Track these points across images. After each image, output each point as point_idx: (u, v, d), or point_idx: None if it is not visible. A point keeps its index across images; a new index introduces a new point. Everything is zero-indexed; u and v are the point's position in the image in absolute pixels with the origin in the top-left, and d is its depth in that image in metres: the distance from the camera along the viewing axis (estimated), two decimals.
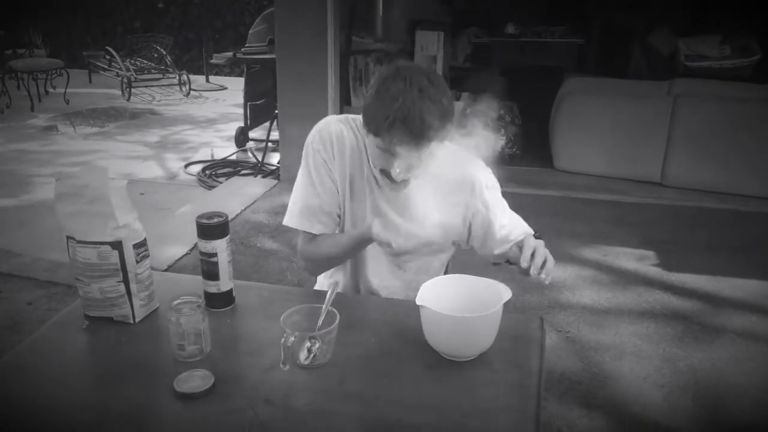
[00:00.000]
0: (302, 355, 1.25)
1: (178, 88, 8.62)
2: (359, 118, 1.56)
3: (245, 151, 5.81)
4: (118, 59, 8.28)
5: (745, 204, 4.40)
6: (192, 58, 10.21)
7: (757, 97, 4.50)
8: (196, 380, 1.19)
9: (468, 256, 1.76)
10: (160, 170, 5.48)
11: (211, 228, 1.42)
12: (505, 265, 1.64)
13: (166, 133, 6.68)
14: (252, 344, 1.38)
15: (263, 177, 5.09)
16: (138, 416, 1.14)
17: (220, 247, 1.43)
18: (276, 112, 4.99)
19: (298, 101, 4.55)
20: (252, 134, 5.92)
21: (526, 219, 1.66)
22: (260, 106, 5.73)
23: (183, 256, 3.54)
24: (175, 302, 1.28)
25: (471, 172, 1.59)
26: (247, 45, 5.97)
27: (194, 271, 1.49)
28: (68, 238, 1.37)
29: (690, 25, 5.24)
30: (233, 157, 5.68)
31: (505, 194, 1.69)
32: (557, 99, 5.16)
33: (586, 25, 5.94)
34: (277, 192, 4.57)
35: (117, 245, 1.34)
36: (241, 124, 5.89)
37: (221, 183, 4.99)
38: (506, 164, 5.23)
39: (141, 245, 1.39)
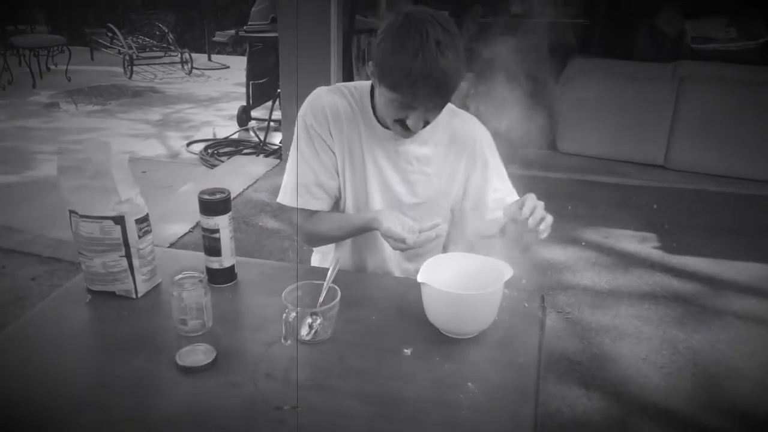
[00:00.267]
0: (303, 331, 1.26)
1: (180, 66, 8.58)
2: (353, 84, 1.58)
3: (247, 130, 5.80)
4: (120, 36, 8.24)
5: (748, 188, 4.39)
6: (194, 36, 10.14)
7: (762, 80, 4.47)
8: (198, 354, 1.20)
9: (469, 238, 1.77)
10: (162, 148, 5.47)
11: (214, 204, 1.42)
12: (494, 240, 1.63)
13: (168, 112, 6.66)
14: (254, 319, 1.38)
15: (265, 156, 5.09)
16: (140, 389, 1.15)
17: (222, 223, 1.43)
18: (278, 91, 4.97)
19: (301, 80, 4.53)
20: (254, 113, 5.90)
21: None
22: (262, 85, 5.70)
23: (185, 234, 3.55)
24: (178, 277, 1.29)
25: (471, 130, 1.60)
26: (249, 23, 5.92)
27: (197, 249, 1.50)
28: (71, 212, 1.37)
29: (696, 7, 5.18)
30: (235, 136, 5.67)
31: (508, 175, 1.69)
32: (561, 80, 5.13)
33: (591, 6, 5.88)
34: (279, 171, 4.57)
35: (119, 220, 1.35)
36: (244, 103, 5.87)
37: (223, 162, 4.98)
38: (508, 145, 5.21)
39: (143, 220, 1.39)
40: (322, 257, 1.81)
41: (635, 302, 2.99)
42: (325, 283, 1.32)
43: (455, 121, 1.59)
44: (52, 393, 1.14)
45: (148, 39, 8.76)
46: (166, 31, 8.68)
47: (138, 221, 1.38)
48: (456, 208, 1.67)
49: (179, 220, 3.66)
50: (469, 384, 1.16)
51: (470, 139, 1.59)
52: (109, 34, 8.54)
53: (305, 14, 4.41)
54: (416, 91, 1.34)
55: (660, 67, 4.75)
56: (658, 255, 3.45)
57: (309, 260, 1.88)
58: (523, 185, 1.74)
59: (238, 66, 8.11)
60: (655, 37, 5.14)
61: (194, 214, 1.43)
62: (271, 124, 5.36)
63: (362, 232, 1.57)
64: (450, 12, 5.32)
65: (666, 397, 2.37)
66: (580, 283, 3.16)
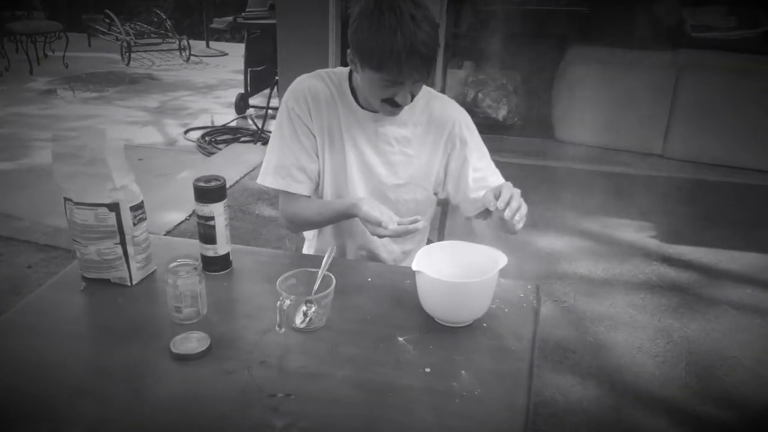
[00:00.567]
0: (298, 319, 1.26)
1: (178, 53, 8.54)
2: (332, 70, 1.61)
3: (245, 117, 5.77)
4: (118, 23, 8.19)
5: (745, 177, 4.39)
6: (193, 23, 10.08)
7: (761, 69, 4.47)
8: (192, 342, 1.21)
9: (465, 222, 1.77)
10: (160, 136, 5.45)
11: (209, 191, 1.42)
12: (479, 221, 1.64)
13: (166, 99, 6.64)
14: (248, 307, 1.39)
15: (263, 144, 5.07)
16: (134, 377, 1.16)
17: (218, 210, 1.43)
18: (276, 78, 4.95)
19: (298, 68, 4.50)
20: (252, 101, 5.87)
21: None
22: (261, 72, 5.68)
23: (182, 221, 3.55)
24: (172, 265, 1.29)
25: (449, 112, 1.62)
26: (247, 10, 5.89)
27: (193, 237, 1.50)
28: (65, 199, 1.37)
29: None
30: (233, 124, 5.65)
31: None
32: (560, 68, 5.12)
33: None
34: None
35: (114, 207, 1.35)
36: (242, 90, 5.85)
37: (221, 150, 4.97)
38: (507, 134, 5.21)
39: (138, 207, 1.39)
40: (308, 244, 1.84)
41: (631, 291, 3.00)
42: (320, 271, 1.32)
43: (433, 103, 1.62)
44: (46, 381, 1.14)
45: (145, 25, 8.71)
46: (164, 17, 8.63)
47: (133, 208, 1.38)
48: (439, 190, 1.69)
49: (176, 207, 3.66)
50: (463, 372, 1.16)
51: (449, 120, 1.61)
52: (107, 21, 8.49)
53: (304, 1, 4.39)
54: (401, 67, 1.37)
55: (659, 55, 4.73)
56: (654, 244, 3.46)
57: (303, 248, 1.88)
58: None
59: (236, 53, 8.07)
60: (654, 25, 5.12)
61: (191, 202, 1.43)
62: (269, 111, 5.34)
63: (342, 217, 1.58)
64: (450, 0, 5.30)
65: (660, 385, 2.38)
66: (577, 272, 3.16)
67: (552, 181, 4.27)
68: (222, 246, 1.46)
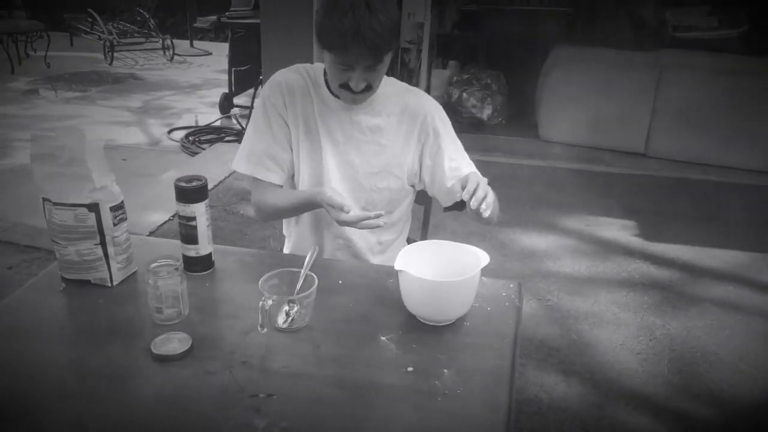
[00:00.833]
0: (280, 319, 1.26)
1: (161, 52, 8.49)
2: (309, 65, 1.66)
3: (229, 117, 5.75)
4: (100, 22, 8.13)
5: (727, 175, 4.44)
6: (176, 23, 10.03)
7: (743, 69, 4.51)
8: (173, 343, 1.20)
9: (449, 221, 1.78)
10: (143, 136, 5.42)
11: (190, 191, 1.41)
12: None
13: (149, 99, 6.59)
14: (230, 307, 1.38)
15: None
16: (115, 378, 1.14)
17: (199, 210, 1.42)
18: (260, 78, 4.93)
19: (282, 67, 4.49)
20: (236, 100, 5.85)
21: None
22: (245, 72, 5.66)
23: (165, 222, 3.53)
24: (153, 265, 1.28)
25: (422, 103, 1.65)
26: (231, 9, 5.87)
27: (176, 237, 1.49)
28: (44, 200, 1.35)
29: None
30: (217, 124, 5.63)
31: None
32: (544, 68, 5.15)
33: None
34: None
35: (94, 207, 1.33)
36: (226, 90, 5.83)
37: (205, 149, 4.95)
38: (491, 133, 5.23)
39: (118, 208, 1.38)
40: (288, 238, 1.85)
41: (614, 289, 3.02)
42: (302, 271, 1.32)
43: (407, 95, 1.65)
44: (25, 382, 1.13)
45: (128, 25, 8.65)
46: (148, 16, 8.58)
47: (113, 209, 1.37)
48: (415, 182, 1.71)
49: (159, 208, 3.64)
50: (445, 371, 1.16)
51: (421, 111, 1.63)
52: (89, 20, 8.42)
53: (287, 0, 4.37)
54: (348, 49, 1.40)
55: (642, 55, 4.78)
56: (637, 242, 3.49)
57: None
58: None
59: (220, 52, 8.04)
60: (637, 25, 5.16)
61: (174, 202, 1.42)
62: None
63: (307, 204, 1.59)
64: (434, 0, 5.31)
65: (643, 382, 2.40)
66: (561, 270, 3.18)
67: (536, 180, 4.30)
68: (204, 246, 1.46)
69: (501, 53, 5.96)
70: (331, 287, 1.39)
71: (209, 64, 8.30)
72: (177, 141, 5.20)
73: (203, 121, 5.71)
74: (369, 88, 1.51)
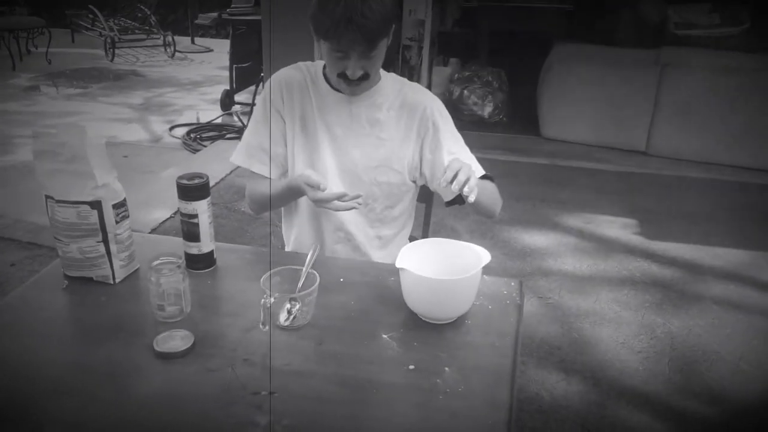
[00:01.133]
0: (282, 317, 1.26)
1: (162, 49, 8.49)
2: (310, 62, 1.69)
3: (231, 114, 5.75)
4: (102, 19, 8.13)
5: (728, 174, 4.44)
6: (177, 19, 10.03)
7: (745, 67, 4.50)
8: (175, 340, 1.20)
9: (450, 219, 1.77)
10: (144, 133, 5.42)
11: (192, 189, 1.41)
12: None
13: (150, 95, 6.59)
14: (232, 305, 1.38)
15: None
16: (117, 375, 1.15)
17: (201, 208, 1.42)
18: (262, 75, 4.93)
19: (284, 64, 4.49)
20: (238, 97, 5.85)
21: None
22: (246, 68, 5.65)
23: (167, 219, 3.53)
24: (155, 263, 1.28)
25: (421, 98, 1.66)
26: (232, 6, 5.86)
27: (178, 235, 1.49)
28: (47, 197, 1.36)
29: None
30: (218, 121, 5.63)
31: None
32: (545, 65, 5.14)
33: None
34: None
35: (96, 205, 1.34)
36: (227, 87, 5.82)
37: (206, 147, 4.95)
38: (493, 131, 5.23)
39: (120, 205, 1.38)
40: (288, 236, 1.86)
41: (615, 287, 3.02)
42: (304, 269, 1.32)
43: (406, 89, 1.67)
44: (28, 379, 1.13)
45: (130, 21, 8.65)
46: (149, 13, 8.57)
47: (115, 206, 1.37)
48: (416, 176, 1.71)
49: (161, 205, 3.64)
50: (447, 369, 1.17)
51: (420, 105, 1.64)
52: (91, 16, 8.42)
53: None
54: (341, 36, 1.41)
55: (643, 53, 4.77)
56: (638, 240, 3.49)
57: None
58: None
59: (221, 49, 8.04)
60: (638, 23, 5.15)
61: (176, 200, 1.42)
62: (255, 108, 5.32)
63: (290, 190, 1.59)
64: None
65: (644, 381, 2.40)
66: (561, 269, 3.18)
67: (537, 177, 4.30)
68: (206, 244, 1.46)
69: (502, 50, 5.96)
70: (333, 285, 1.40)
71: (210, 61, 8.30)
72: (178, 138, 5.20)
73: (204, 118, 5.71)
74: (366, 77, 1.52)
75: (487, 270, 1.31)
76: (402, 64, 5.42)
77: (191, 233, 1.44)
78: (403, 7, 5.35)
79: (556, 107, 5.01)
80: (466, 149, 1.67)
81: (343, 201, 1.43)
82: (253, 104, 5.30)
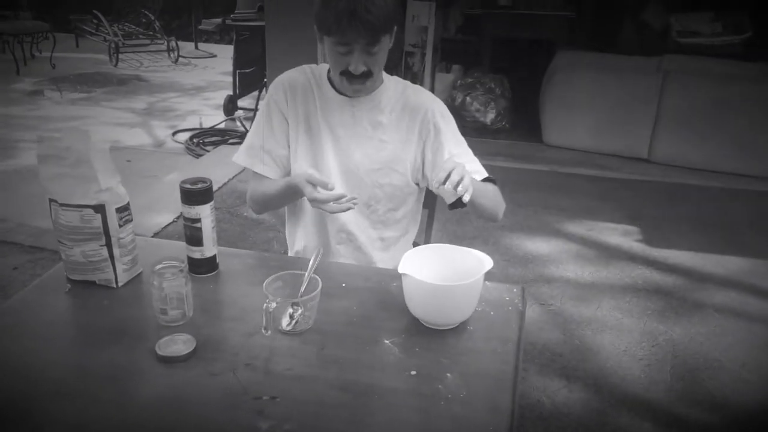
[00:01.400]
0: (284, 321, 1.26)
1: (166, 54, 8.51)
2: (315, 65, 1.71)
3: (234, 119, 5.77)
4: (106, 24, 8.15)
5: (730, 182, 4.43)
6: (181, 25, 10.05)
7: (746, 75, 4.51)
8: (177, 344, 1.20)
9: (452, 225, 1.78)
10: (147, 137, 5.43)
11: (195, 193, 1.42)
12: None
13: (154, 100, 6.61)
14: (234, 309, 1.39)
15: None
16: (119, 379, 1.15)
17: (204, 212, 1.43)
18: (265, 80, 4.94)
19: (287, 69, 4.50)
20: (241, 103, 5.87)
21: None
22: (249, 74, 5.67)
23: (169, 223, 3.53)
24: (158, 267, 1.29)
25: (423, 100, 1.67)
26: (236, 11, 5.89)
27: (180, 239, 1.50)
28: (50, 200, 1.36)
29: (682, 1, 5.21)
30: (221, 126, 5.64)
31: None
32: (548, 72, 5.15)
33: None
34: None
35: (100, 209, 1.34)
36: (230, 92, 5.84)
37: (209, 151, 4.96)
38: (495, 138, 5.24)
39: (124, 209, 1.39)
40: (292, 237, 1.86)
41: (617, 295, 3.02)
42: (306, 274, 1.33)
43: (408, 91, 1.68)
44: (30, 382, 1.14)
45: (134, 26, 8.68)
46: (153, 18, 8.60)
47: (119, 210, 1.37)
48: (419, 178, 1.71)
49: (164, 209, 3.65)
50: (449, 375, 1.17)
51: (422, 107, 1.65)
52: (95, 21, 8.45)
53: (292, 2, 4.38)
54: (344, 29, 1.43)
55: (645, 60, 4.78)
56: (640, 248, 3.48)
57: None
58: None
59: (225, 55, 8.05)
60: (641, 30, 5.17)
61: (179, 204, 1.43)
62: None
63: (289, 189, 1.58)
64: (437, 3, 5.33)
65: (645, 388, 2.39)
66: (563, 276, 3.18)
67: (539, 184, 4.30)
68: (209, 248, 1.46)
69: (505, 57, 5.97)
70: (335, 290, 1.40)
71: (214, 67, 8.32)
72: (181, 143, 5.21)
73: (207, 123, 5.72)
74: (369, 74, 1.53)
75: (489, 276, 1.32)
76: (405, 71, 5.43)
77: (194, 237, 1.44)
78: (406, 14, 5.38)
79: (558, 114, 5.02)
80: (469, 151, 1.68)
81: (339, 203, 1.43)
82: (256, 109, 5.32)
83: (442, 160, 1.62)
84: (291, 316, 1.26)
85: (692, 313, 2.87)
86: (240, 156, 1.72)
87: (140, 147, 5.14)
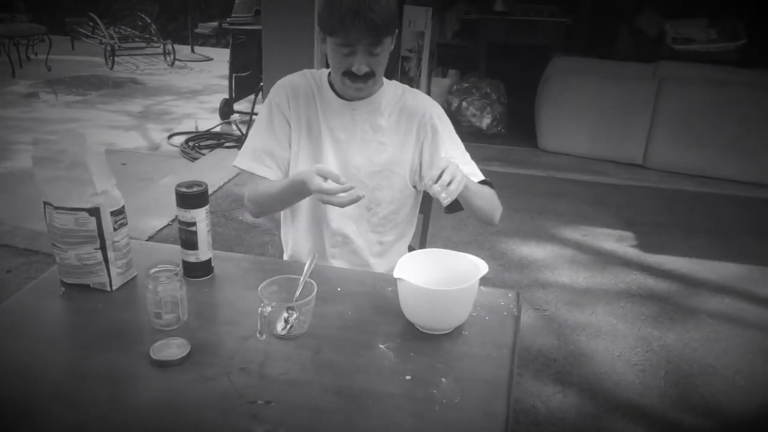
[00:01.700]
0: (279, 326, 1.26)
1: (162, 57, 8.50)
2: (315, 70, 1.71)
3: (229, 123, 5.76)
4: (102, 26, 8.15)
5: (725, 188, 4.45)
6: (178, 28, 10.06)
7: (741, 82, 4.53)
8: (172, 348, 1.20)
9: (447, 230, 1.78)
10: (143, 141, 5.42)
11: (191, 197, 1.42)
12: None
13: (149, 103, 6.61)
14: (229, 313, 1.38)
15: None
16: (113, 383, 1.14)
17: (199, 216, 1.42)
18: (261, 84, 4.94)
19: (283, 73, 4.50)
20: (237, 106, 5.86)
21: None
22: (245, 78, 5.67)
23: (164, 227, 3.53)
24: (153, 270, 1.28)
25: (421, 103, 1.69)
26: (233, 15, 5.89)
27: (175, 242, 1.49)
28: (45, 203, 1.36)
29: (677, 8, 5.25)
30: (217, 129, 5.64)
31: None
32: (543, 78, 5.17)
33: (574, 5, 5.93)
34: None
35: (94, 212, 1.34)
36: (226, 95, 5.84)
37: (204, 155, 4.95)
38: (491, 142, 5.25)
39: (119, 213, 1.38)
40: (286, 239, 1.85)
41: (612, 300, 3.02)
42: (301, 278, 1.32)
43: (407, 95, 1.69)
44: (23, 385, 1.13)
45: (130, 29, 8.67)
46: (149, 21, 8.59)
47: (114, 213, 1.37)
48: (416, 181, 1.72)
49: (159, 213, 3.64)
50: (443, 379, 1.17)
51: (420, 110, 1.67)
52: (91, 24, 8.44)
53: (288, 7, 4.39)
54: (348, 29, 1.44)
55: (641, 66, 4.80)
56: (635, 253, 3.49)
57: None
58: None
59: (221, 58, 8.06)
60: (636, 37, 5.19)
61: (174, 207, 1.43)
62: (254, 117, 5.33)
63: (294, 188, 1.56)
64: (434, 8, 5.34)
65: (639, 394, 2.40)
66: (558, 281, 3.18)
67: (534, 189, 4.31)
68: (204, 252, 1.46)
69: (501, 63, 5.99)
70: (330, 294, 1.40)
71: (210, 70, 8.32)
72: (177, 146, 5.20)
73: (203, 127, 5.72)
74: (371, 75, 1.54)
75: (484, 281, 1.32)
76: (401, 75, 5.45)
77: (189, 241, 1.44)
78: (402, 19, 5.39)
79: (553, 119, 5.03)
80: (466, 154, 1.69)
81: (349, 195, 1.39)
82: (252, 113, 5.31)
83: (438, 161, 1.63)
84: (286, 321, 1.26)
85: (686, 319, 2.88)
86: (243, 160, 1.68)
87: (136, 150, 5.13)
